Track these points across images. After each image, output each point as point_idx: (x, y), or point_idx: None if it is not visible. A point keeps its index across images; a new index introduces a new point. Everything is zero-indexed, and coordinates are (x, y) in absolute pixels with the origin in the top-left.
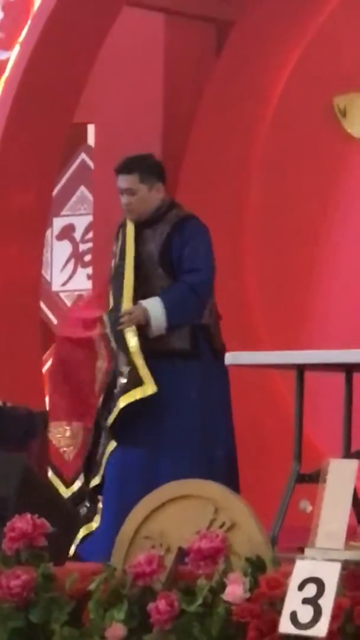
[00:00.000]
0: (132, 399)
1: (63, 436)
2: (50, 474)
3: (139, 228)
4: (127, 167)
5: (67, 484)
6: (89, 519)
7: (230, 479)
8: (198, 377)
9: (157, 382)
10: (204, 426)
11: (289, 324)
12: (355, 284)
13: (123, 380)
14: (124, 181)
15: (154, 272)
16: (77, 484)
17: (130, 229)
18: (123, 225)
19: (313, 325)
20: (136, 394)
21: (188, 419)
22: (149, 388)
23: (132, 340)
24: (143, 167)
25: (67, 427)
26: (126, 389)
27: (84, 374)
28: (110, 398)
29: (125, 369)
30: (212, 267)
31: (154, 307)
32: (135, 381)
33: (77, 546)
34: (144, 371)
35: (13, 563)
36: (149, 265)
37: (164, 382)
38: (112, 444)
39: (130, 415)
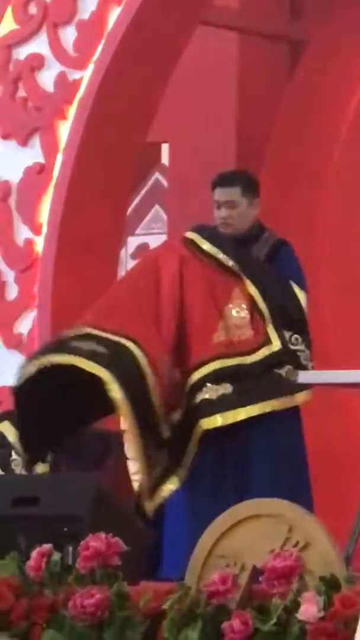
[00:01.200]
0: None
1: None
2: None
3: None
4: (228, 179)
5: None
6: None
7: (303, 498)
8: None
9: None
10: (280, 442)
11: None
12: None
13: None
14: (224, 194)
15: None
16: None
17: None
18: (213, 236)
19: None
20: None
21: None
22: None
23: None
24: (244, 180)
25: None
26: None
27: None
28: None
29: None
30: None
31: None
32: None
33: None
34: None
35: (87, 582)
36: None
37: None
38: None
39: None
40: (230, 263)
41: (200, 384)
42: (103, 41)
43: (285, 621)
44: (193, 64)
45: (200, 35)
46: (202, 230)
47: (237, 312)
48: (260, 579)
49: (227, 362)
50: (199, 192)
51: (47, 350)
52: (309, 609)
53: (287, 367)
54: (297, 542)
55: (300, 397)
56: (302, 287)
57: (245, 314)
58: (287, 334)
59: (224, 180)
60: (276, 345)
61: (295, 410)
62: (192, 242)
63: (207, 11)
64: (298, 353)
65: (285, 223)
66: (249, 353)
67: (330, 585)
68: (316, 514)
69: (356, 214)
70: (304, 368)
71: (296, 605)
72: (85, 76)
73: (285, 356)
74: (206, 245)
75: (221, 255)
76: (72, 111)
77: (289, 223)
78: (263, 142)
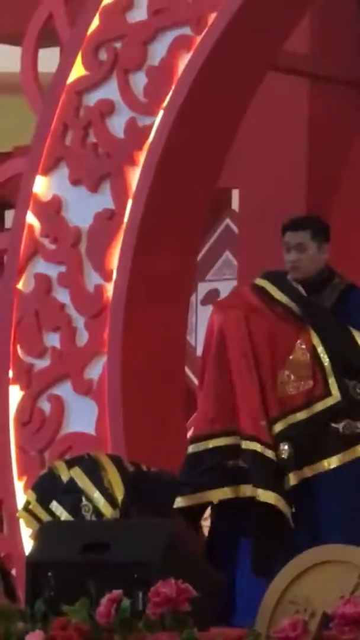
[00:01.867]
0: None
1: None
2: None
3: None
4: (299, 223)
5: None
6: None
7: None
8: None
9: None
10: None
11: None
12: None
13: None
14: (294, 237)
15: None
16: None
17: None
18: (282, 283)
19: None
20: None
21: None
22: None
23: None
24: (315, 225)
25: None
26: None
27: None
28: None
29: None
30: None
31: None
32: None
33: None
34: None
35: (157, 628)
36: None
37: None
38: None
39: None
40: (297, 310)
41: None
42: (173, 87)
43: None
44: (264, 109)
45: (270, 80)
46: (272, 277)
47: (299, 360)
48: (331, 625)
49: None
50: (269, 238)
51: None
52: None
53: (346, 421)
54: None
55: None
56: None
57: (307, 361)
58: (350, 384)
59: (294, 224)
60: (335, 397)
61: None
62: (262, 289)
63: (278, 56)
64: None
65: (356, 269)
66: (300, 408)
67: None
68: None
69: None
70: None
71: None
72: (156, 122)
73: (344, 409)
74: (276, 294)
75: (290, 303)
76: (142, 157)
77: (357, 270)
78: (334, 189)
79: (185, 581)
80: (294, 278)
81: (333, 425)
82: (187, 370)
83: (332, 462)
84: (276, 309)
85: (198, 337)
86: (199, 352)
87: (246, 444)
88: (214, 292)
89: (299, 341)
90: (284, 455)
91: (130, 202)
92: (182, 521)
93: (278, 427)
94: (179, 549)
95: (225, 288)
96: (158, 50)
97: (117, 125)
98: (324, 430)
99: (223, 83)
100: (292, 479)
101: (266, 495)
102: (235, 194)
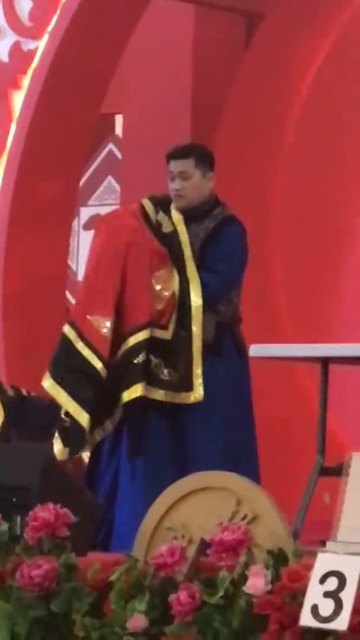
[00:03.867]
0: (175, 400)
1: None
2: (86, 350)
3: (185, 221)
4: (182, 151)
5: (103, 360)
6: None
7: (251, 472)
8: (220, 371)
9: None
10: (227, 418)
11: (314, 318)
12: None
13: (167, 376)
14: (178, 165)
15: None
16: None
17: (178, 218)
18: (162, 207)
19: (339, 319)
20: (181, 398)
21: (211, 411)
22: (195, 395)
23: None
24: (198, 152)
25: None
26: (172, 388)
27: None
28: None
29: (180, 365)
30: (233, 274)
31: None
32: (185, 385)
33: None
34: (196, 379)
35: (35, 553)
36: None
37: None
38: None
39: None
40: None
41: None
42: (58, 12)
43: (232, 594)
44: (148, 35)
45: (155, 6)
46: (155, 200)
47: (161, 286)
48: (208, 552)
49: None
50: (152, 163)
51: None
52: (257, 583)
53: (158, 360)
54: (245, 516)
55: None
56: (231, 268)
57: (167, 290)
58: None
59: (178, 152)
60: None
61: (242, 379)
62: (143, 209)
63: None
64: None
65: (238, 194)
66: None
67: (278, 559)
68: (266, 487)
69: (310, 188)
70: None
71: (243, 578)
72: (40, 46)
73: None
74: (152, 214)
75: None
76: (26, 81)
77: (242, 194)
78: (218, 115)
79: (63, 506)
80: (178, 206)
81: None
82: (68, 294)
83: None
84: (149, 230)
85: (79, 262)
86: (80, 276)
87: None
88: (96, 217)
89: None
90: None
91: (13, 127)
92: None
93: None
94: (56, 474)
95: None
96: None
97: (2, 48)
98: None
99: (108, 8)
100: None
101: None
102: (118, 119)
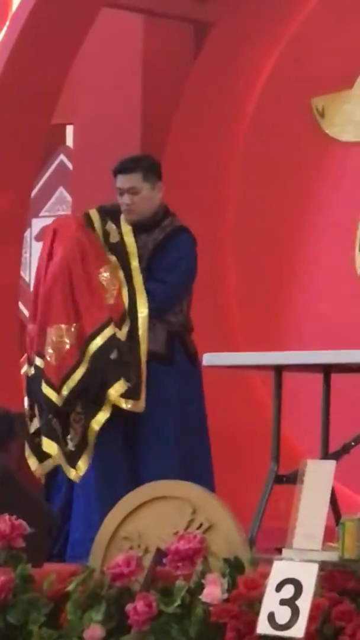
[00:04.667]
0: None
1: (57, 339)
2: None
3: (135, 231)
4: (128, 166)
5: (57, 389)
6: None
7: (205, 481)
8: (172, 380)
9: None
10: (180, 428)
11: (267, 327)
12: (333, 285)
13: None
14: (126, 181)
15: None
16: (65, 389)
17: (127, 229)
18: (111, 217)
19: (291, 328)
20: (128, 405)
21: (164, 421)
22: (140, 404)
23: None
24: (145, 165)
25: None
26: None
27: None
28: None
29: (132, 374)
30: (181, 284)
31: None
32: (133, 394)
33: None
34: (143, 388)
35: None
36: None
37: None
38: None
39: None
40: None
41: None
42: (7, 23)
43: (189, 603)
44: (98, 45)
45: (105, 16)
46: (103, 211)
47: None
48: (164, 561)
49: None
50: (103, 174)
51: None
52: (213, 591)
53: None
54: (201, 524)
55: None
56: (179, 278)
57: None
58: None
59: (124, 167)
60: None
61: (195, 388)
62: (89, 218)
63: None
64: None
65: (189, 205)
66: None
67: (234, 567)
68: (221, 495)
69: (262, 196)
70: None
71: (200, 587)
72: None
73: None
74: (97, 224)
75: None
76: None
77: (193, 205)
78: (168, 124)
79: (19, 517)
80: (129, 220)
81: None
82: (20, 306)
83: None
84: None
85: (32, 273)
86: (32, 287)
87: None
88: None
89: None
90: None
91: None
92: (15, 457)
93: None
94: (12, 485)
95: None
96: None
97: None
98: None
99: (57, 19)
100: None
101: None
102: (69, 129)
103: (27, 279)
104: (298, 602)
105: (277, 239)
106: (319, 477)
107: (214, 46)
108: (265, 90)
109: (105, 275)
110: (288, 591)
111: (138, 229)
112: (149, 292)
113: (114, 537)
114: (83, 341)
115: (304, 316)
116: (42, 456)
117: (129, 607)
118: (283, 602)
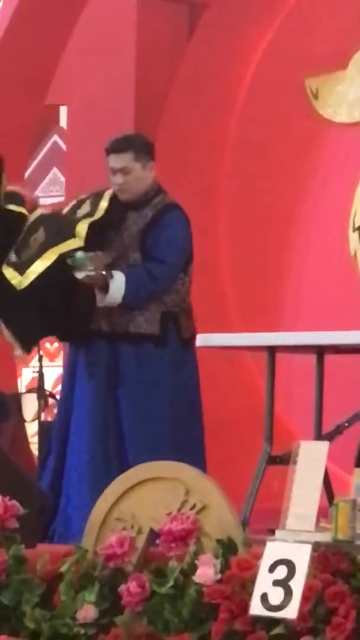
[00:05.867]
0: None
1: None
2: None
3: (125, 209)
4: (120, 145)
5: None
6: None
7: (197, 462)
8: (166, 362)
9: (125, 363)
10: (172, 409)
11: (261, 308)
12: (326, 265)
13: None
14: (118, 160)
15: (131, 254)
16: None
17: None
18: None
19: (285, 309)
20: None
21: (156, 401)
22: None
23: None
24: (137, 145)
25: None
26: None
27: None
28: None
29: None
30: (179, 262)
31: (118, 278)
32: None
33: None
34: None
35: None
36: (130, 247)
37: (132, 364)
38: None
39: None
40: None
41: None
42: (1, 3)
43: (182, 584)
44: (91, 26)
45: None
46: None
47: None
48: (157, 541)
49: None
50: (97, 154)
51: None
52: (206, 572)
53: None
54: (194, 505)
55: None
56: (175, 254)
57: None
58: None
59: (116, 147)
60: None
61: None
62: None
63: None
64: None
65: (183, 186)
66: None
67: (227, 548)
68: (214, 476)
69: (253, 175)
70: None
71: (193, 568)
72: None
73: None
74: None
75: None
76: None
77: (187, 186)
78: (161, 104)
79: (12, 498)
80: (123, 199)
81: None
82: None
83: None
84: None
85: None
86: None
87: None
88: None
89: None
90: None
91: None
92: (8, 438)
93: None
94: (5, 466)
95: (53, 204)
96: None
97: None
98: None
99: None
100: None
101: None
102: (63, 110)
103: None
104: (291, 583)
105: (271, 220)
106: (312, 458)
107: (208, 27)
108: (258, 71)
109: None
110: (281, 572)
111: (129, 206)
112: (150, 274)
113: (107, 518)
114: None
115: (298, 297)
116: None
117: (122, 587)
118: (276, 583)
